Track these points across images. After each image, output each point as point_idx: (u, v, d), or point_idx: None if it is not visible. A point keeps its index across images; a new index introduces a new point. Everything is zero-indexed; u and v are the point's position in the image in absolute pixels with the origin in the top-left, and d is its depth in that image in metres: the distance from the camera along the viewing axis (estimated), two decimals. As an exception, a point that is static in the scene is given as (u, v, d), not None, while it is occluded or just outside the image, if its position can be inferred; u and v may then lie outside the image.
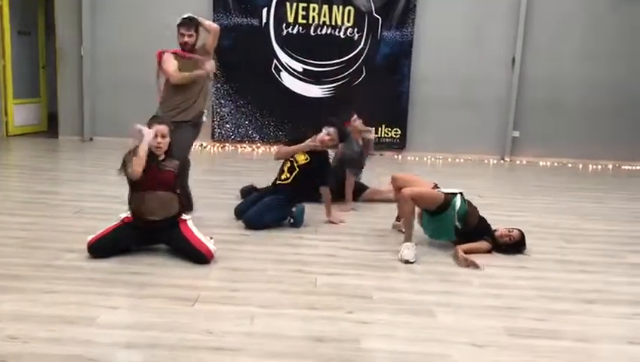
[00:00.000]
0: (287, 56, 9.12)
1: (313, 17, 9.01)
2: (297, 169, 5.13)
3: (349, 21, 9.04)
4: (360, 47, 9.10)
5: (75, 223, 4.89)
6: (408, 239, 4.46)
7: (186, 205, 5.53)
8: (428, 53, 9.17)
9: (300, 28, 9.04)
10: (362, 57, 9.12)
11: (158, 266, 3.99)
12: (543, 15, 9.10)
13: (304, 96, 9.20)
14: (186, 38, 5.15)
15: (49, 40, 9.76)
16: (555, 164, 9.25)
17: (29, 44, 9.56)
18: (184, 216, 4.23)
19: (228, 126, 9.26)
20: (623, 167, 9.34)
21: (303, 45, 9.07)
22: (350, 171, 5.84)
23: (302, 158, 5.15)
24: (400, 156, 9.27)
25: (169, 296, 3.53)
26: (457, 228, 4.57)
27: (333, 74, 9.16)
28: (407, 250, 4.38)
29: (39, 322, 3.13)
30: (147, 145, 4.06)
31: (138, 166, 4.01)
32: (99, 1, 8.96)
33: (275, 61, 9.05)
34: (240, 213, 5.16)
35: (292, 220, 5.08)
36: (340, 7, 8.99)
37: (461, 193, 4.67)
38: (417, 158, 9.22)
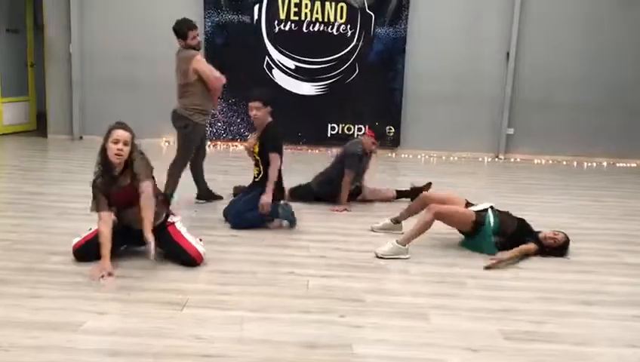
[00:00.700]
0: (279, 54, 9.01)
1: (306, 14, 8.91)
2: (258, 159, 5.04)
3: (341, 18, 8.94)
4: (353, 43, 9.00)
5: (60, 225, 4.79)
6: (403, 242, 4.37)
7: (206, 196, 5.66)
8: (422, 49, 9.09)
9: (292, 25, 8.94)
10: (355, 54, 9.02)
11: (146, 270, 3.89)
12: (538, 11, 9.03)
13: (296, 94, 9.10)
14: (198, 38, 5.37)
15: (37, 38, 9.61)
16: (550, 162, 9.19)
17: (17, 41, 9.41)
18: (172, 219, 4.13)
19: (219, 124, 9.15)
20: (618, 165, 9.29)
21: (295, 42, 8.96)
22: (348, 170, 5.73)
23: (256, 149, 5.05)
24: (394, 154, 9.19)
25: (157, 301, 3.43)
26: (497, 243, 4.50)
27: (325, 71, 9.06)
28: (388, 247, 4.34)
29: (22, 328, 3.04)
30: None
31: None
32: (88, -2, 8.84)
33: (266, 58, 8.94)
34: (226, 214, 5.07)
35: (276, 220, 5.00)
36: (333, 4, 8.89)
37: (491, 207, 4.65)
38: (411, 156, 9.14)
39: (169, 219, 4.10)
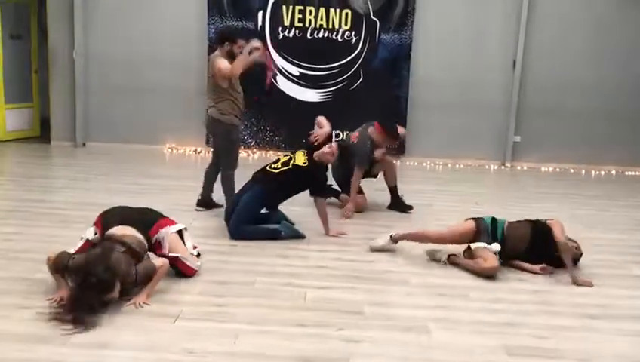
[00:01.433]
0: (283, 60, 8.95)
1: (310, 20, 8.84)
2: (291, 166, 4.95)
3: (346, 24, 8.87)
4: (357, 50, 8.93)
5: (60, 233, 4.72)
6: (396, 238, 4.47)
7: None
8: (427, 56, 9.00)
9: (297, 31, 8.88)
10: (360, 61, 8.94)
11: (141, 279, 3.81)
12: (545, 17, 8.92)
13: (300, 101, 9.03)
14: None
15: (41, 44, 9.60)
16: (557, 170, 9.06)
17: (21, 48, 9.39)
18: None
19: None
20: (627, 173, 9.14)
21: (299, 49, 8.89)
22: (358, 166, 5.68)
23: (301, 160, 4.98)
24: (399, 162, 9.08)
25: (149, 312, 3.36)
26: (500, 252, 4.29)
27: (330, 78, 8.99)
28: (381, 240, 4.46)
29: (10, 341, 2.97)
30: None
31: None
32: (91, 5, 8.81)
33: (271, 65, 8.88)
34: (227, 218, 4.97)
35: (281, 234, 4.89)
36: (338, 10, 8.81)
37: (493, 218, 4.50)
38: (417, 164, 9.04)
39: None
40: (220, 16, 8.79)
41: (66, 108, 9.00)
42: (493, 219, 4.45)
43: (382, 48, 8.93)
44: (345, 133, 8.81)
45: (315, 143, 5.13)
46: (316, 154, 5.03)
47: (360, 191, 5.94)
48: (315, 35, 8.87)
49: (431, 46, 8.97)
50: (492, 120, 9.18)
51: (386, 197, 6.14)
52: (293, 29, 8.85)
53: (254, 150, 9.10)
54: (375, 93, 8.92)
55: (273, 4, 8.76)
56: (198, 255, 4.11)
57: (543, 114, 9.15)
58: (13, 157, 8.31)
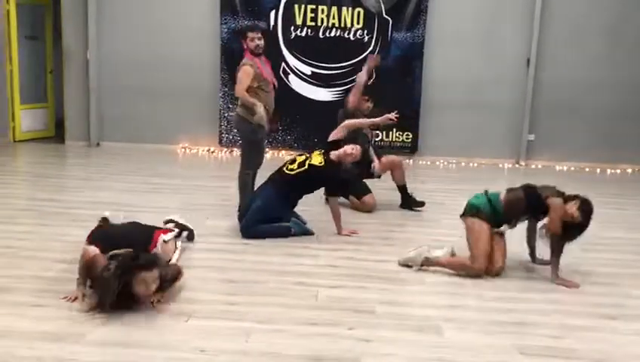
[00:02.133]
0: (295, 59, 8.94)
1: (322, 19, 8.83)
2: (307, 166, 4.92)
3: (358, 23, 8.84)
4: (370, 49, 8.89)
5: (73, 232, 4.73)
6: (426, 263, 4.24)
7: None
8: (440, 54, 8.95)
9: (309, 30, 8.87)
10: (372, 60, 8.91)
11: (153, 278, 3.82)
12: (559, 15, 8.84)
13: (313, 100, 9.02)
14: (258, 41, 5.19)
15: (56, 45, 9.68)
16: (572, 169, 8.96)
17: (36, 48, 9.49)
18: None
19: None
20: (643, 171, 9.04)
21: (311, 48, 8.88)
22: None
23: (317, 160, 4.95)
24: (411, 161, 9.04)
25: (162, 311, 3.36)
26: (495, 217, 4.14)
27: (342, 77, 8.97)
28: (414, 254, 4.20)
29: (24, 339, 2.99)
30: None
31: None
32: (105, 5, 8.87)
33: (283, 64, 8.87)
34: (241, 217, 4.96)
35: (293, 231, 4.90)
36: (350, 9, 8.79)
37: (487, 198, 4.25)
38: (429, 163, 9.00)
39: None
40: (232, 15, 8.81)
41: (80, 108, 9.07)
42: (488, 200, 4.20)
43: (394, 47, 8.89)
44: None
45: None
46: (336, 154, 5.00)
47: (368, 191, 5.91)
48: (327, 33, 8.86)
49: (444, 44, 8.92)
50: (506, 118, 9.11)
51: (396, 195, 6.11)
52: (306, 27, 8.85)
53: (267, 150, 9.09)
54: (387, 92, 8.86)
55: (285, 3, 8.76)
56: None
57: (557, 112, 9.06)
58: (28, 157, 8.39)
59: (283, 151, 8.97)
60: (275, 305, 3.54)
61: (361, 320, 3.36)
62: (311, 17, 8.81)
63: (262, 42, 5.23)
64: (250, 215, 4.81)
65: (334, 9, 8.77)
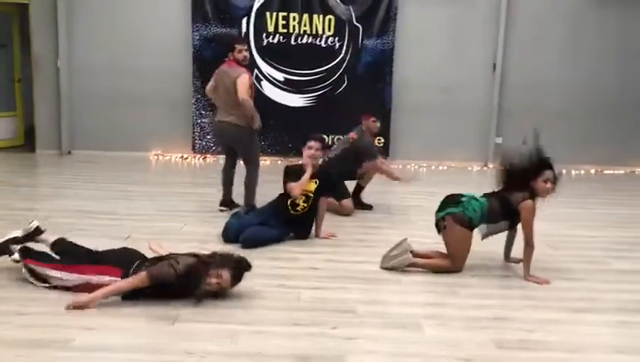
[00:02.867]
0: (268, 66, 9.04)
1: (294, 26, 8.95)
2: (312, 196, 5.01)
3: (329, 30, 8.99)
4: (341, 55, 9.05)
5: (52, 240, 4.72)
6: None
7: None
8: (409, 60, 9.15)
9: (281, 37, 8.98)
10: (344, 66, 9.07)
11: (137, 284, 3.85)
12: (523, 20, 9.13)
13: (286, 106, 9.12)
14: (245, 53, 5.62)
15: (24, 52, 9.57)
16: (538, 170, 9.23)
17: (4, 56, 9.38)
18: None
19: (209, 137, 9.13)
20: (605, 172, 9.37)
21: (283, 54, 9.00)
22: (375, 157, 6.09)
23: (312, 186, 5.03)
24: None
25: (148, 315, 3.41)
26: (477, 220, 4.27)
27: (314, 83, 9.10)
28: (398, 251, 4.31)
29: (9, 346, 3.00)
30: None
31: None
32: (75, 13, 8.83)
33: (255, 71, 8.96)
34: (232, 232, 4.87)
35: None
36: (321, 17, 8.94)
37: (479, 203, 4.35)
38: (401, 166, 9.16)
39: None
40: (204, 22, 8.86)
41: (51, 116, 9.00)
42: (480, 204, 4.31)
43: (365, 53, 9.07)
44: (334, 138, 8.92)
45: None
46: (306, 158, 5.12)
47: (348, 195, 6.04)
48: (299, 40, 8.98)
49: (413, 50, 9.12)
50: (474, 122, 9.36)
51: (373, 200, 6.24)
52: (278, 35, 8.96)
53: (240, 155, 9.15)
54: (359, 98, 9.04)
55: (257, 10, 8.86)
56: None
57: (523, 115, 9.33)
58: (-2, 167, 8.28)
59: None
60: (259, 307, 3.61)
61: (343, 320, 3.45)
62: (282, 24, 8.93)
63: (248, 53, 5.62)
64: (256, 235, 4.80)
65: (306, 16, 8.91)
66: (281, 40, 8.98)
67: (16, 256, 3.83)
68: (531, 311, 3.68)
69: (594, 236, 5.55)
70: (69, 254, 3.85)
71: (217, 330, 3.27)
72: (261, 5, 8.86)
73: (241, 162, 5.83)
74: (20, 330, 3.18)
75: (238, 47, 5.56)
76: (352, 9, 8.94)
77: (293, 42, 8.98)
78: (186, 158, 9.08)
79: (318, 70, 9.06)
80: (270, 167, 8.28)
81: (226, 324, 3.35)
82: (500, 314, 3.63)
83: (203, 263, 3.63)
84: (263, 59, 9.02)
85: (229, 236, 4.86)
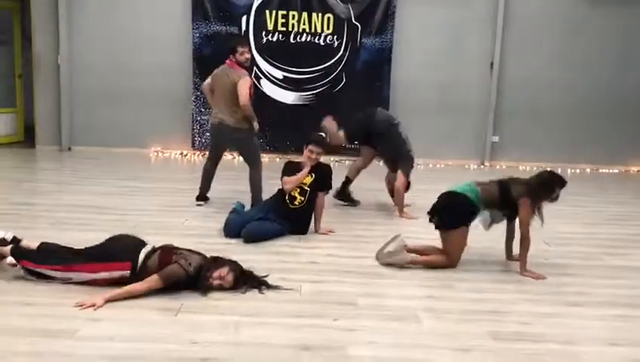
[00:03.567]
0: (266, 64, 9.11)
1: (293, 25, 9.02)
2: (308, 189, 5.10)
3: (328, 28, 9.06)
4: (340, 54, 9.12)
5: (54, 235, 4.75)
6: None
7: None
8: (407, 59, 9.23)
9: (280, 35, 9.05)
10: (342, 64, 9.15)
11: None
12: (521, 19, 9.22)
13: (284, 103, 9.20)
14: (247, 55, 5.71)
15: (25, 49, 9.62)
16: (535, 168, 9.31)
17: (5, 53, 9.42)
18: None
19: (208, 134, 9.19)
20: (601, 170, 9.47)
21: (282, 52, 9.07)
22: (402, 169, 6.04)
23: (308, 179, 5.12)
24: (381, 162, 9.27)
25: (151, 307, 3.48)
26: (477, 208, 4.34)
27: (313, 81, 9.17)
28: (393, 247, 4.38)
29: (19, 335, 3.07)
30: None
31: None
32: (76, 10, 8.88)
33: (254, 69, 9.03)
34: (233, 228, 4.97)
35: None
36: (320, 15, 9.01)
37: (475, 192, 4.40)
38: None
39: None
40: (204, 20, 8.92)
41: (51, 112, 9.05)
42: (475, 195, 4.38)
43: (363, 52, 9.14)
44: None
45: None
46: (305, 158, 5.20)
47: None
48: (298, 39, 9.05)
49: (411, 49, 9.21)
50: (471, 121, 9.45)
51: (366, 196, 6.32)
52: (277, 33, 9.03)
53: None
54: (357, 96, 9.12)
55: (257, 8, 8.93)
56: None
57: (520, 114, 9.44)
58: (-1, 162, 8.33)
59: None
60: (261, 299, 3.69)
61: (344, 312, 3.53)
62: (282, 23, 9.00)
63: (249, 55, 5.74)
64: (258, 229, 4.89)
65: (305, 15, 8.98)
66: (280, 38, 9.05)
67: (11, 259, 3.80)
68: (527, 305, 3.77)
69: (589, 233, 5.65)
70: (68, 255, 3.87)
71: (220, 321, 3.34)
72: (261, 3, 8.94)
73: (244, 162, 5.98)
74: (25, 320, 3.25)
75: (241, 49, 5.63)
76: (351, 8, 9.01)
77: (292, 40, 9.05)
78: (186, 155, 9.14)
79: (316, 68, 9.14)
80: (269, 163, 8.34)
81: (228, 316, 3.42)
82: (496, 307, 3.72)
83: (209, 263, 3.79)
84: (262, 57, 9.09)
85: (230, 231, 4.95)
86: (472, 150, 9.51)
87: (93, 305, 3.43)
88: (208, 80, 5.91)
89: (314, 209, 5.18)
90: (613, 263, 4.74)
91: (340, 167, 6.58)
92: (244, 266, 3.94)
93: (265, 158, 8.50)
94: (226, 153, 6.44)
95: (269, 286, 3.83)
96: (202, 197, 6.00)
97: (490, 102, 9.36)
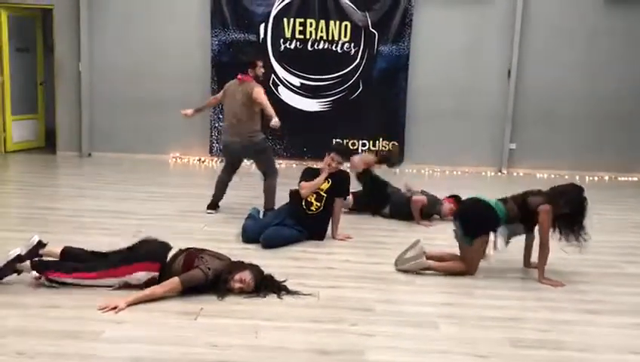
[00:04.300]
0: (284, 71, 9.18)
1: (310, 32, 9.08)
2: (325, 195, 5.15)
3: (345, 36, 9.11)
4: (357, 61, 9.17)
5: (77, 238, 4.83)
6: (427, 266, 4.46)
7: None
8: (424, 66, 9.25)
9: (298, 43, 9.12)
10: (359, 71, 9.19)
11: (161, 280, 3.98)
12: (538, 27, 9.19)
13: (302, 111, 9.26)
14: (263, 69, 6.02)
15: (47, 56, 9.80)
16: (552, 176, 9.28)
17: (28, 60, 9.60)
18: None
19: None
20: (620, 178, 9.39)
21: (300, 60, 9.13)
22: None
23: (325, 185, 5.17)
24: (398, 169, 9.29)
25: (171, 310, 3.53)
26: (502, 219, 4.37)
27: (330, 88, 9.22)
28: (411, 254, 4.40)
29: (45, 337, 3.14)
30: None
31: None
32: (97, 17, 9.03)
33: (272, 76, 9.10)
34: (251, 234, 5.03)
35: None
36: (337, 23, 9.06)
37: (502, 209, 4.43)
38: (415, 171, 9.26)
39: None
40: (223, 28, 9.02)
41: (72, 118, 9.20)
42: (500, 210, 4.40)
43: (380, 59, 9.18)
44: (344, 141, 9.04)
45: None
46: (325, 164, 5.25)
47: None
48: (315, 46, 9.11)
49: (428, 57, 9.22)
50: (488, 128, 9.42)
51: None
52: (295, 40, 9.10)
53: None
54: (374, 103, 9.17)
55: (275, 16, 9.01)
56: None
57: (538, 121, 9.39)
58: (21, 167, 8.48)
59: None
60: (279, 304, 3.73)
61: (362, 317, 3.56)
62: (299, 30, 9.07)
63: (264, 70, 6.09)
64: (276, 235, 4.94)
65: (322, 22, 9.04)
66: (297, 45, 9.12)
67: (34, 273, 3.83)
68: (546, 312, 3.77)
69: (607, 241, 5.60)
70: (93, 259, 3.94)
71: (239, 325, 3.39)
72: (279, 11, 9.02)
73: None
74: (51, 322, 3.32)
75: (259, 63, 5.93)
76: (368, 15, 9.06)
77: (309, 48, 9.12)
78: (204, 161, 9.23)
79: (333, 75, 9.19)
80: (285, 170, 8.39)
81: (247, 320, 3.46)
82: (515, 314, 3.72)
83: (231, 267, 3.87)
84: (280, 65, 9.16)
85: (248, 237, 5.00)
86: (489, 157, 9.48)
87: (115, 308, 3.50)
88: (220, 93, 6.13)
89: (331, 215, 5.21)
90: (634, 271, 4.71)
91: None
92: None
93: (282, 165, 8.57)
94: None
95: (288, 292, 3.87)
96: (213, 206, 6.02)
97: (508, 110, 9.34)
